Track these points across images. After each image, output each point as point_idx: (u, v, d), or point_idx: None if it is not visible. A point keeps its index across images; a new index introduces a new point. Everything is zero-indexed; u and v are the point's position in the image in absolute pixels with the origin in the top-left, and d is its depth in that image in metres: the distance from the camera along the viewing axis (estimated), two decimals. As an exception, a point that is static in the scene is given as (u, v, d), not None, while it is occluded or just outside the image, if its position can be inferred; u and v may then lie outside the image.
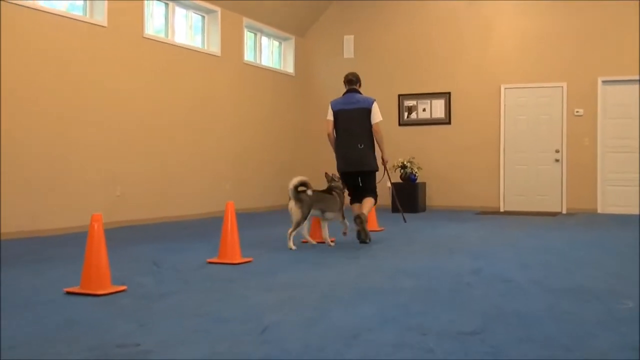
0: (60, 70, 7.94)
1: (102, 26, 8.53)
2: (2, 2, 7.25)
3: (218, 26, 10.79)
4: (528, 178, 11.73)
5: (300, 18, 12.84)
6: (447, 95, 12.26)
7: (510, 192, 11.88)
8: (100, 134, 8.51)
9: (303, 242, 6.93)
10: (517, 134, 11.79)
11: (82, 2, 8.50)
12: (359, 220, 6.77)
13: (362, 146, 6.94)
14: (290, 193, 6.41)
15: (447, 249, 6.53)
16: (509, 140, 11.85)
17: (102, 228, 4.24)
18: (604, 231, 8.27)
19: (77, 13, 8.36)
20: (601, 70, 11.21)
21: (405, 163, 11.64)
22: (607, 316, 3.55)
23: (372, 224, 7.98)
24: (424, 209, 11.87)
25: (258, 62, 12.16)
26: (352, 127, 6.97)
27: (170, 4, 9.96)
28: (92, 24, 8.40)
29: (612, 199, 11.21)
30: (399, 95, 12.56)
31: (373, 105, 7.00)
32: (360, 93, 7.19)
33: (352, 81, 7.19)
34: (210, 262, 5.53)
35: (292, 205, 6.45)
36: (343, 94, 7.19)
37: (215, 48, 10.80)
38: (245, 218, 9.80)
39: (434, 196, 12.27)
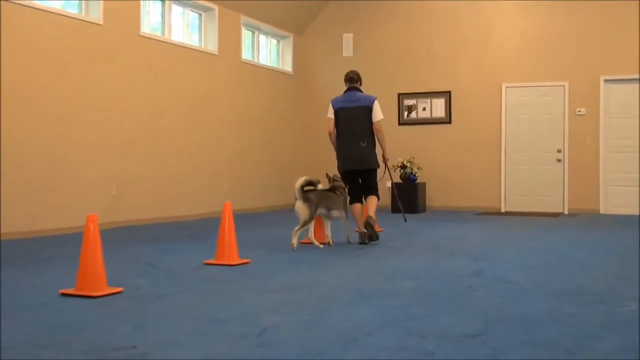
0: (55, 69, 7.93)
1: (98, 24, 8.52)
2: (1, 1, 7.26)
3: (215, 24, 10.78)
4: (529, 178, 11.73)
5: (299, 16, 12.83)
6: (447, 94, 12.26)
7: (512, 192, 11.88)
8: (97, 133, 8.50)
9: (302, 242, 6.94)
10: (519, 134, 11.79)
11: (77, 0, 8.51)
12: (370, 226, 6.86)
13: (365, 144, 6.99)
14: (298, 193, 6.46)
15: (448, 250, 6.53)
16: (510, 140, 11.85)
17: (97, 229, 4.24)
18: (606, 232, 8.27)
19: (73, 11, 8.35)
20: (603, 69, 11.21)
21: (405, 163, 11.64)
22: (610, 318, 3.55)
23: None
24: (424, 210, 11.87)
25: (256, 60, 12.16)
26: (354, 125, 7.00)
27: (167, 1, 9.96)
28: (87, 22, 8.39)
29: (615, 200, 11.21)
30: (399, 94, 12.56)
31: (374, 103, 7.04)
32: (361, 91, 7.22)
33: (352, 79, 7.22)
34: (207, 264, 5.52)
35: (299, 205, 6.49)
36: (344, 92, 7.22)
37: (212, 46, 10.79)
38: (243, 218, 9.79)
39: (434, 196, 12.27)
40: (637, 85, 11.03)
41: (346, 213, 6.95)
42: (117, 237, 7.58)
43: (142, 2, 9.26)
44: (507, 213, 11.50)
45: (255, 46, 12.22)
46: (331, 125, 7.13)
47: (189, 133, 10.17)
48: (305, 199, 6.47)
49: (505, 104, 11.87)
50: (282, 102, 12.72)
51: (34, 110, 7.66)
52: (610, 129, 11.25)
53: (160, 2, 9.89)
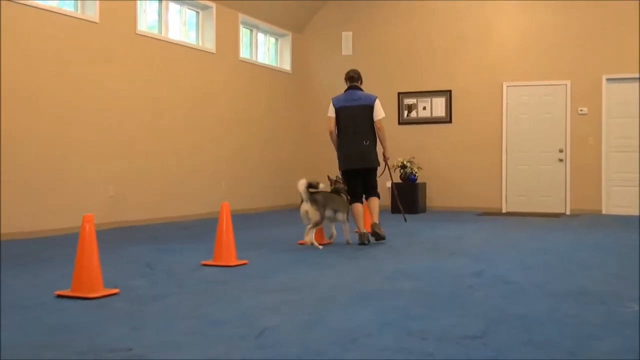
0: (50, 67, 7.93)
1: (94, 22, 8.52)
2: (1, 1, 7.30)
3: (213, 22, 10.79)
4: (530, 178, 11.74)
5: (297, 14, 12.84)
6: (447, 93, 12.27)
7: (513, 192, 11.89)
8: (94, 133, 8.50)
9: (300, 243, 6.95)
10: (520, 133, 11.81)
11: (73, -3, 8.51)
12: (376, 233, 6.99)
13: (367, 143, 7.05)
14: (304, 195, 6.51)
15: (448, 250, 6.54)
16: (511, 140, 11.87)
17: (93, 229, 4.24)
18: (608, 232, 8.28)
19: (68, 9, 8.35)
20: (605, 67, 11.22)
21: (404, 163, 11.64)
22: (611, 319, 3.56)
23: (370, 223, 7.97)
24: (424, 210, 11.88)
25: (254, 59, 12.17)
26: (355, 124, 7.06)
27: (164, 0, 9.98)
28: (83, 20, 8.39)
29: (617, 200, 11.22)
30: (399, 93, 12.57)
31: (376, 102, 7.10)
32: (362, 90, 7.27)
33: (353, 78, 7.27)
34: (204, 265, 5.53)
35: (307, 207, 6.54)
36: (344, 91, 7.26)
37: (210, 45, 10.80)
38: (242, 219, 9.80)
39: (434, 197, 12.28)
40: (635, 84, 11.03)
41: (347, 215, 6.99)
42: (115, 237, 7.58)
43: (138, 0, 9.26)
44: (508, 213, 11.51)
45: (253, 45, 12.22)
46: (332, 124, 7.17)
47: (187, 133, 10.17)
48: (313, 201, 6.54)
49: (506, 103, 11.88)
50: (281, 101, 12.72)
51: (30, 109, 7.66)
52: (613, 129, 11.26)
53: (157, 0, 9.89)
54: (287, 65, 13.06)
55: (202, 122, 10.51)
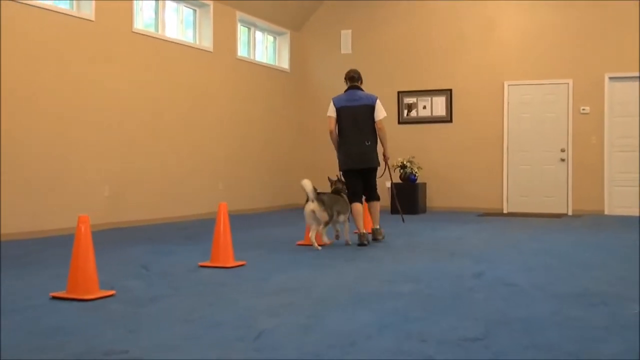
0: (45, 65, 7.92)
1: (90, 20, 8.51)
2: (1, 1, 7.28)
3: (210, 20, 10.78)
4: (532, 178, 11.74)
5: (296, 12, 12.84)
6: (448, 92, 12.27)
7: (514, 192, 11.89)
8: (89, 133, 8.48)
9: (299, 244, 6.96)
10: (521, 133, 11.81)
11: (68, -5, 8.50)
12: (376, 239, 7.17)
13: (369, 143, 7.14)
14: (311, 194, 6.55)
15: (448, 251, 6.54)
16: (513, 139, 11.87)
17: (89, 230, 4.24)
18: (610, 233, 8.29)
19: (64, 7, 8.35)
20: (608, 66, 11.22)
21: (404, 163, 11.64)
22: (614, 321, 3.56)
23: (371, 226, 7.98)
24: (424, 211, 11.88)
25: (252, 57, 12.16)
26: (357, 124, 7.13)
27: (161, -3, 9.96)
28: (79, 18, 8.38)
29: (620, 200, 11.22)
30: (399, 92, 12.57)
31: (377, 102, 7.18)
32: (362, 90, 7.34)
33: (354, 78, 7.34)
34: (201, 266, 5.53)
35: (314, 206, 6.56)
36: (345, 91, 7.32)
37: (207, 43, 10.79)
38: (239, 219, 9.79)
39: (435, 197, 12.28)
40: (635, 83, 11.04)
41: (348, 215, 7.05)
42: (111, 238, 7.58)
43: (135, -3, 9.27)
44: (510, 214, 11.51)
45: (251, 43, 12.22)
46: (332, 124, 7.23)
47: (184, 132, 10.16)
48: (320, 200, 6.60)
49: (508, 103, 11.88)
50: (279, 100, 12.72)
51: (26, 108, 7.65)
52: (615, 128, 11.26)
53: (153, -3, 9.90)
54: (285, 64, 13.05)
55: (199, 122, 10.50)
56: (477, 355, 2.95)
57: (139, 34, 9.30)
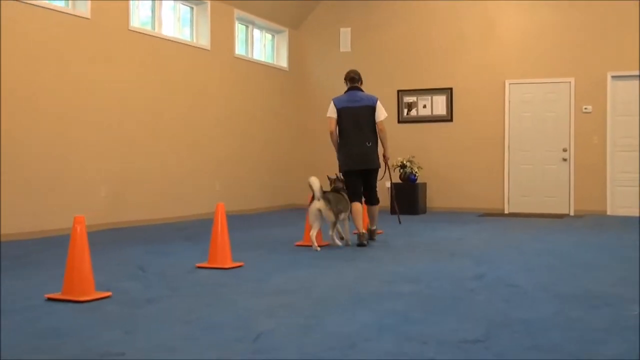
0: (39, 64, 7.91)
1: (85, 18, 8.51)
2: (1, 1, 7.29)
3: (207, 18, 10.78)
4: (534, 178, 11.75)
5: (294, 10, 12.84)
6: (448, 91, 12.28)
7: (515, 193, 11.90)
8: (83, 132, 8.48)
9: (297, 244, 6.96)
10: (523, 132, 11.81)
11: (64, -8, 8.49)
12: (372, 239, 7.30)
13: (370, 144, 7.22)
14: (319, 194, 6.62)
15: (449, 252, 6.54)
16: (514, 139, 11.87)
17: (85, 231, 4.24)
18: (613, 234, 8.29)
19: (59, 4, 8.34)
20: (611, 64, 11.23)
21: (404, 162, 11.65)
22: (616, 323, 3.57)
23: (367, 225, 8.01)
24: (424, 211, 11.88)
25: (250, 56, 12.16)
26: (358, 124, 7.20)
27: (157, -6, 9.96)
28: (74, 15, 8.38)
29: (622, 201, 11.23)
30: (398, 91, 12.57)
31: (377, 103, 7.27)
32: (363, 91, 7.42)
33: (354, 79, 7.42)
34: (199, 267, 5.53)
35: (320, 205, 6.63)
36: (345, 92, 7.40)
37: (204, 41, 10.79)
38: (237, 220, 9.79)
39: (435, 197, 12.29)
40: (635, 81, 11.05)
41: (348, 214, 7.11)
42: (108, 239, 7.58)
43: (131, -5, 9.27)
44: (511, 214, 11.52)
45: (249, 41, 12.22)
46: (333, 125, 7.29)
47: (181, 132, 10.16)
48: (326, 200, 6.66)
49: (509, 101, 11.88)
50: (278, 99, 12.72)
51: (21, 106, 7.65)
52: (618, 127, 11.26)
53: (150, -5, 9.89)
54: (284, 63, 13.05)
55: (196, 121, 10.50)
56: (478, 357, 2.96)
57: (136, 32, 9.30)
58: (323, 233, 7.03)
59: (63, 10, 8.25)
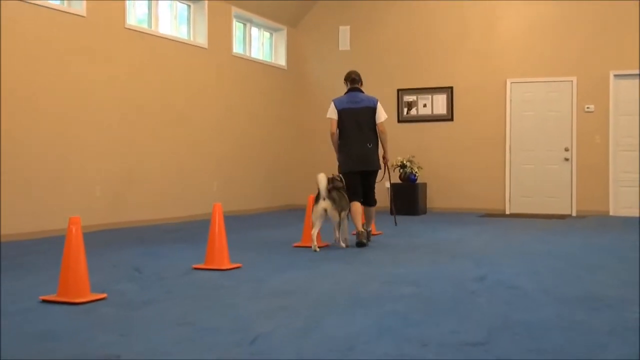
0: (33, 62, 7.90)
1: (81, 16, 8.50)
2: (1, 1, 7.29)
3: (205, 16, 10.77)
4: (535, 178, 11.75)
5: (293, 7, 12.84)
6: (449, 90, 12.28)
7: (516, 193, 11.90)
8: (77, 130, 8.47)
9: (295, 245, 6.96)
10: (524, 132, 11.82)
11: (59, -11, 8.49)
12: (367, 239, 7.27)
13: (371, 145, 7.30)
14: (325, 193, 6.68)
15: (449, 254, 6.54)
16: (515, 138, 11.88)
17: (80, 232, 4.23)
18: (615, 235, 8.30)
19: (54, 2, 8.33)
20: (613, 63, 11.23)
21: (404, 162, 11.65)
22: (619, 325, 3.56)
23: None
24: (424, 212, 11.88)
25: (247, 54, 12.16)
26: (359, 126, 7.28)
27: (154, -8, 9.96)
28: (70, 13, 8.37)
29: (625, 201, 11.23)
30: (398, 90, 12.57)
31: (378, 104, 7.36)
32: (363, 92, 7.49)
33: (355, 80, 7.49)
34: (196, 268, 5.52)
35: (326, 205, 6.69)
36: (345, 93, 7.47)
37: (201, 39, 10.78)
38: (235, 221, 9.79)
39: (435, 197, 12.29)
40: (635, 80, 11.05)
41: (347, 213, 7.16)
42: (104, 240, 7.58)
43: (127, -8, 9.26)
44: (512, 215, 11.52)
45: (247, 39, 12.22)
46: (334, 126, 7.37)
47: (178, 131, 10.15)
48: (332, 199, 6.73)
49: (510, 101, 11.89)
50: (276, 98, 12.72)
51: (15, 104, 7.64)
52: (620, 127, 11.27)
53: (146, -8, 9.89)
54: (282, 61, 13.05)
55: (193, 120, 10.49)
56: (479, 359, 2.96)
57: (132, 30, 9.29)
58: (323, 234, 7.03)
59: (58, 9, 8.24)
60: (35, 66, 7.92)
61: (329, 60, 12.92)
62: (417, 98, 12.49)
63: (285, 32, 13.01)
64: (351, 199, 7.17)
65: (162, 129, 9.85)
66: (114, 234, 8.24)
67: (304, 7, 13.09)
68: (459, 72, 12.19)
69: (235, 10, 11.49)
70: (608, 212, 11.28)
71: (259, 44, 12.73)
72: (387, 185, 9.56)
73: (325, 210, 6.69)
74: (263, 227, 9.27)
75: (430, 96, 12.40)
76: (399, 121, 12.50)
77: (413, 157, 11.82)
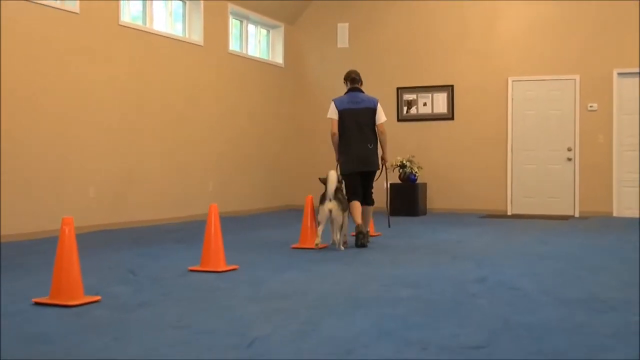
0: (27, 60, 7.89)
1: (74, 13, 8.50)
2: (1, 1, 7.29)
3: (200, 13, 10.78)
4: (537, 178, 11.76)
5: (290, 4, 12.84)
6: (449, 89, 12.28)
7: (518, 193, 11.91)
8: (70, 129, 8.47)
9: (293, 247, 6.97)
10: (526, 131, 11.83)
11: (52, -14, 8.48)
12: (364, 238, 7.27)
13: (372, 146, 7.40)
14: (331, 194, 6.74)
15: (450, 255, 6.55)
16: (517, 138, 11.89)
17: (73, 233, 4.23)
18: (619, 236, 8.31)
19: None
20: (617, 61, 11.24)
21: (404, 162, 11.65)
22: (623, 328, 3.57)
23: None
24: (424, 212, 11.89)
25: (244, 52, 12.16)
26: (360, 127, 7.36)
27: (149, -12, 9.96)
28: (63, 10, 8.36)
29: (629, 202, 11.25)
30: (398, 89, 12.57)
31: (378, 105, 7.45)
32: (363, 92, 7.56)
33: (355, 80, 7.57)
34: (192, 270, 5.52)
35: (331, 206, 6.77)
36: (345, 93, 7.53)
37: (197, 37, 10.78)
38: (231, 221, 9.79)
39: (435, 198, 12.29)
40: (635, 79, 11.06)
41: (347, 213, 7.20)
42: (98, 241, 7.58)
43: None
44: (514, 216, 11.53)
45: (243, 37, 12.22)
46: (335, 127, 7.42)
47: (173, 130, 10.15)
48: (339, 200, 6.80)
49: (512, 99, 11.90)
50: (273, 96, 12.72)
51: (13, 102, 7.64)
52: (624, 126, 11.28)
53: (141, -11, 9.89)
54: (279, 59, 13.05)
55: (189, 119, 10.49)
56: (480, 363, 2.96)
57: (126, 27, 9.28)
58: (322, 234, 7.03)
59: (51, 5, 8.24)
60: (30, 64, 7.90)
61: (327, 58, 12.93)
62: (417, 97, 12.50)
63: (282, 29, 13.01)
64: (351, 199, 7.24)
65: (156, 129, 9.84)
66: (111, 235, 8.24)
67: (302, 4, 13.09)
68: (460, 70, 12.20)
69: (231, 6, 11.49)
70: (611, 213, 11.29)
71: (256, 41, 12.74)
72: (387, 185, 9.56)
73: (330, 211, 6.74)
74: (260, 228, 9.27)
75: (430, 95, 12.41)
76: (398, 120, 12.51)
77: (413, 156, 11.83)
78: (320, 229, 6.82)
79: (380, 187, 8.15)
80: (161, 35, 9.98)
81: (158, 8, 10.24)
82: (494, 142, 11.99)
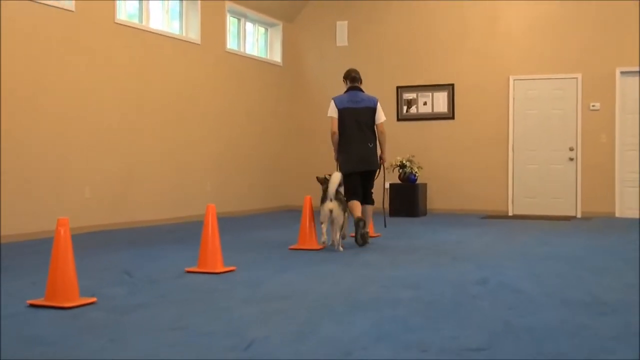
0: (23, 58, 7.90)
1: (70, 10, 8.50)
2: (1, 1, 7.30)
3: (198, 11, 10.77)
4: (539, 179, 11.77)
5: (289, 2, 12.84)
6: (450, 88, 12.29)
7: (520, 194, 11.92)
8: (66, 129, 8.46)
9: (291, 248, 6.97)
10: (528, 130, 11.83)
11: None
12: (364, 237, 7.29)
13: (372, 145, 7.46)
14: (333, 194, 6.78)
15: (450, 256, 6.55)
16: (518, 137, 11.89)
17: (69, 233, 4.23)
18: (621, 237, 8.31)
19: (42, -4, 8.34)
20: (619, 60, 11.26)
21: (404, 162, 11.65)
22: (625, 330, 3.57)
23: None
24: (424, 213, 11.89)
25: (242, 50, 12.16)
26: (360, 126, 7.42)
27: (145, -14, 9.96)
28: (58, 8, 8.36)
29: (631, 202, 11.26)
30: (398, 88, 12.58)
31: (378, 104, 7.50)
32: (363, 91, 7.61)
33: (355, 78, 7.62)
34: (189, 271, 5.52)
35: (332, 206, 6.81)
36: (345, 92, 7.57)
37: (194, 35, 10.78)
38: (229, 222, 9.79)
39: (436, 198, 12.30)
40: (635, 78, 11.07)
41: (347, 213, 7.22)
42: (94, 242, 7.58)
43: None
44: (515, 216, 11.54)
45: (241, 35, 12.22)
46: (336, 126, 7.47)
47: (170, 129, 10.15)
48: (340, 200, 6.84)
49: (513, 98, 11.90)
50: (271, 95, 12.72)
51: (6, 100, 7.67)
52: (627, 125, 11.29)
53: (137, -14, 9.88)
54: (277, 57, 13.06)
55: (186, 119, 10.49)
56: (480, 365, 2.97)
57: (122, 25, 9.28)
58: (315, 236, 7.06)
59: (47, 3, 8.23)
60: (26, 62, 7.90)
61: (326, 57, 12.93)
62: (417, 96, 12.50)
63: (280, 27, 13.01)
64: (351, 199, 7.26)
65: (153, 128, 9.84)
66: (110, 235, 8.25)
67: (300, 2, 13.09)
68: (460, 69, 12.21)
69: (229, 4, 11.49)
70: (614, 213, 11.30)
71: (254, 39, 12.74)
72: (386, 185, 9.57)
73: (331, 211, 6.77)
74: (258, 229, 9.27)
75: (430, 94, 12.42)
76: (398, 120, 12.52)
77: (413, 156, 11.83)
78: (324, 227, 6.85)
79: (380, 188, 8.18)
80: (158, 34, 9.98)
81: (155, 6, 10.24)
82: (495, 141, 12.00)
